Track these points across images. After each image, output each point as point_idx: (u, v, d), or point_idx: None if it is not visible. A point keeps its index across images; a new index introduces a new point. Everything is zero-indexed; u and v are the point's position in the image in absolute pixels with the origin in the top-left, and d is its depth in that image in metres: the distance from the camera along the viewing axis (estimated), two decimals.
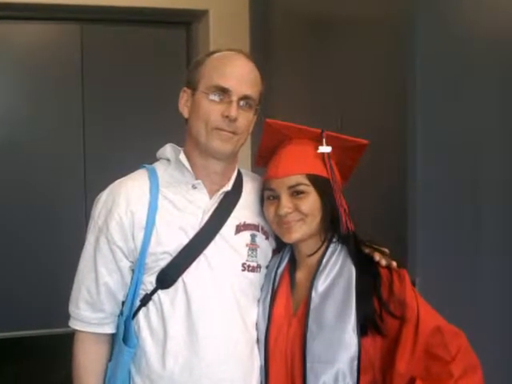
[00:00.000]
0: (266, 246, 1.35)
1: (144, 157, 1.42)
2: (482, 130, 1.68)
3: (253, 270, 1.31)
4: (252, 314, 1.30)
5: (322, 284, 1.25)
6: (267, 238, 1.36)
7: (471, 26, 1.68)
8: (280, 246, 1.37)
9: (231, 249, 1.29)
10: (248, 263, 1.30)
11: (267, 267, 1.36)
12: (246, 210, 1.33)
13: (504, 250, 1.69)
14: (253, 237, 1.32)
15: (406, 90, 1.65)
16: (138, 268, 1.26)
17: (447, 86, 1.64)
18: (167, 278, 1.25)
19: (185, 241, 1.26)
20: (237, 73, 1.26)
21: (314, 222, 1.27)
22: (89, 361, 1.30)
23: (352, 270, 1.24)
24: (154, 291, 1.26)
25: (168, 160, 1.33)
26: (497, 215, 1.69)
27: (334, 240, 1.30)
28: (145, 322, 1.27)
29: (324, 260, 1.28)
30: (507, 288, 1.69)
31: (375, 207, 1.80)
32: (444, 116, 1.64)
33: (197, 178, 1.29)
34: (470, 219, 1.67)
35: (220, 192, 1.30)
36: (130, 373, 1.28)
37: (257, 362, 1.28)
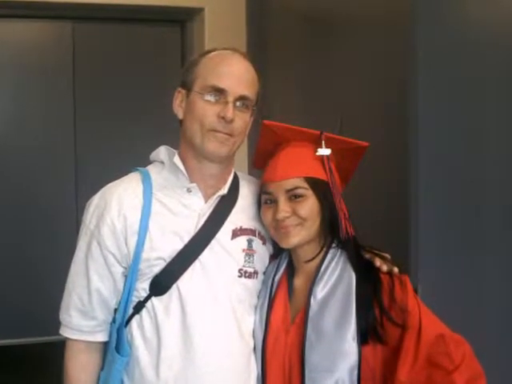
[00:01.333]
0: (263, 252, 1.32)
1: (137, 159, 1.38)
2: (482, 130, 1.67)
3: (249, 276, 1.28)
4: (249, 321, 1.27)
5: (320, 291, 1.22)
6: (264, 244, 1.33)
7: (471, 26, 1.67)
8: (278, 252, 1.34)
9: (227, 254, 1.26)
10: (245, 269, 1.28)
11: (264, 273, 1.33)
12: (242, 214, 1.31)
13: (506, 251, 1.67)
14: (249, 242, 1.29)
15: (406, 90, 1.64)
16: (130, 274, 1.23)
17: (447, 85, 1.62)
18: (161, 284, 1.22)
19: (179, 246, 1.23)
20: (233, 72, 1.23)
21: (312, 226, 1.24)
22: (80, 370, 1.27)
23: (352, 276, 1.22)
24: (147, 298, 1.23)
25: (162, 162, 1.30)
26: (497, 215, 1.67)
27: (334, 245, 1.27)
28: (138, 329, 1.24)
29: (323, 266, 1.25)
30: (510, 290, 1.67)
31: (376, 211, 1.78)
32: (444, 116, 1.62)
33: (192, 182, 1.26)
34: (471, 220, 1.66)
35: (216, 196, 1.27)
36: (122, 382, 1.26)
37: (254, 371, 1.26)
